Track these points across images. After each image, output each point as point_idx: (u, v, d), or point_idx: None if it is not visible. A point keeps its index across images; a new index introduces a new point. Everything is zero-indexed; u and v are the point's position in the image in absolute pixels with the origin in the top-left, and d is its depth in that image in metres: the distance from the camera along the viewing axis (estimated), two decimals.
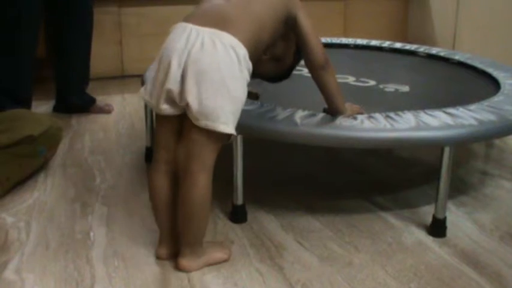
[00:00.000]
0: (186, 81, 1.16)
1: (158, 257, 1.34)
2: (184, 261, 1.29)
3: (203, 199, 1.24)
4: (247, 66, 1.22)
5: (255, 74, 1.48)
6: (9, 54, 2.14)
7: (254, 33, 1.24)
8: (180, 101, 1.19)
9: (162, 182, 1.29)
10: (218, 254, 1.33)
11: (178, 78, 1.18)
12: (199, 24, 1.20)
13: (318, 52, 1.37)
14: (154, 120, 1.32)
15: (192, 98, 1.16)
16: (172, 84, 1.18)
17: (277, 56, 1.44)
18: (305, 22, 1.35)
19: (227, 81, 1.17)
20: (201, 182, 1.22)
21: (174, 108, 1.21)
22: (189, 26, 1.20)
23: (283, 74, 1.51)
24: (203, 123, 1.18)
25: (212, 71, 1.16)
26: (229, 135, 1.22)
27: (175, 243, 1.32)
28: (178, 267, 1.29)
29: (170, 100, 1.20)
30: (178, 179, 1.26)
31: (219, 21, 1.20)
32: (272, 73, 1.49)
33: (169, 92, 1.19)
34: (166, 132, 1.27)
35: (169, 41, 1.22)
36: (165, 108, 1.22)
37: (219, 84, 1.17)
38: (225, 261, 1.33)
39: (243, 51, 1.20)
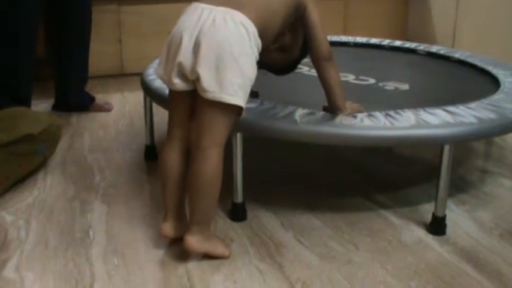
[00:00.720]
0: (198, 54, 1.19)
1: (163, 234, 1.33)
2: (190, 238, 1.28)
3: (213, 174, 1.25)
4: (256, 43, 1.25)
5: (260, 64, 1.49)
6: (8, 53, 2.13)
7: (264, 17, 1.27)
8: (191, 75, 1.22)
9: (174, 158, 1.31)
10: (221, 248, 1.33)
11: (190, 52, 1.21)
12: (212, 4, 1.24)
13: (324, 44, 1.41)
14: (169, 101, 1.34)
15: (202, 70, 1.19)
16: (184, 57, 1.21)
17: (284, 47, 1.46)
18: (314, 13, 1.40)
19: (236, 56, 1.20)
20: (211, 158, 1.24)
21: (185, 83, 1.24)
22: (201, 6, 1.25)
23: (288, 66, 1.53)
24: (211, 95, 1.20)
25: (222, 45, 1.19)
26: (239, 111, 1.25)
27: (180, 224, 1.33)
28: (184, 243, 1.28)
29: (182, 75, 1.23)
30: (190, 156, 1.28)
31: (231, 2, 1.24)
32: (278, 64, 1.51)
33: (180, 66, 1.22)
34: (180, 109, 1.30)
35: (182, 19, 1.26)
36: (177, 82, 1.24)
37: (228, 58, 1.19)
38: (225, 257, 1.33)
39: (252, 29, 1.23)
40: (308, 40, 1.42)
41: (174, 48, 1.24)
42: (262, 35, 1.27)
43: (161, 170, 1.34)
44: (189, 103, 1.28)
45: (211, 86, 1.20)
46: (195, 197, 1.27)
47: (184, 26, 1.23)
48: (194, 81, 1.23)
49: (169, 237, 1.34)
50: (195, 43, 1.21)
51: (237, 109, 1.24)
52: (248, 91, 1.25)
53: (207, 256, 1.32)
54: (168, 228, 1.34)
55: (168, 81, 1.27)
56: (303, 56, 1.52)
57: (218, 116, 1.24)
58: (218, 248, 1.33)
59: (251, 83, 1.26)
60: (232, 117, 1.26)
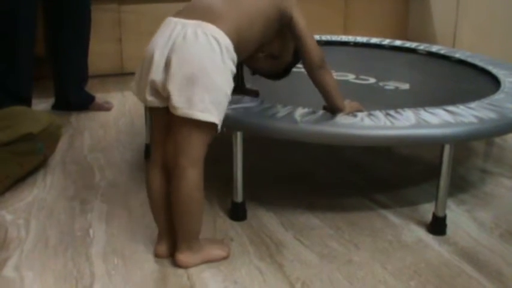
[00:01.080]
0: (168, 71, 1.18)
1: (157, 255, 1.33)
2: (181, 257, 1.29)
3: (193, 194, 1.24)
4: (231, 56, 1.22)
5: (255, 71, 1.48)
6: (7, 52, 2.13)
7: (241, 27, 1.24)
8: (163, 91, 1.20)
9: (157, 178, 1.29)
10: (217, 251, 1.33)
11: (161, 68, 1.19)
12: (186, 18, 1.22)
13: (314, 52, 1.38)
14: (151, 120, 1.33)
15: (172, 87, 1.17)
16: (156, 75, 1.20)
17: (274, 54, 1.44)
18: (300, 22, 1.36)
19: (208, 71, 1.18)
20: (190, 177, 1.23)
21: (159, 99, 1.22)
22: (175, 20, 1.23)
23: (281, 72, 1.51)
24: (180, 111, 1.18)
25: (193, 60, 1.17)
26: (215, 128, 1.22)
27: (174, 241, 1.32)
28: (175, 263, 1.29)
29: (155, 91, 1.22)
30: (170, 174, 1.27)
31: (205, 14, 1.22)
32: (270, 71, 1.49)
33: (153, 83, 1.20)
34: (157, 127, 1.28)
35: (156, 35, 1.24)
36: (151, 100, 1.23)
37: (199, 74, 1.17)
38: (224, 258, 1.33)
39: (225, 42, 1.20)
40: (298, 49, 1.39)
41: (146, 65, 1.22)
42: (240, 45, 1.24)
43: (147, 193, 1.32)
44: (166, 120, 1.25)
45: (181, 103, 1.17)
46: (178, 216, 1.26)
47: (157, 42, 1.21)
48: (167, 98, 1.20)
49: (164, 257, 1.33)
50: (166, 60, 1.19)
51: (211, 125, 1.20)
52: (224, 106, 1.22)
53: (205, 260, 1.32)
54: (161, 251, 1.33)
55: (142, 98, 1.25)
56: (296, 61, 1.49)
57: (192, 133, 1.21)
58: (214, 254, 1.32)
59: (227, 98, 1.22)
60: (207, 134, 1.23)
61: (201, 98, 1.17)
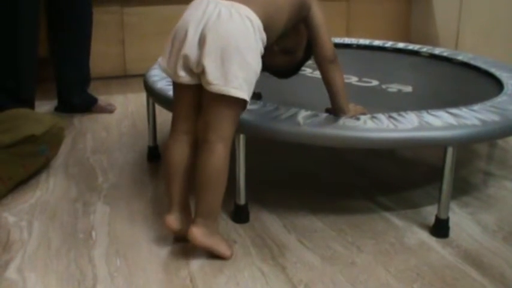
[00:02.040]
0: (203, 47, 1.20)
1: (168, 226, 1.33)
2: (195, 230, 1.28)
3: (220, 169, 1.26)
4: (261, 37, 1.25)
5: (264, 67, 1.49)
6: (9, 53, 2.14)
7: (269, 12, 1.28)
8: (197, 67, 1.22)
9: (180, 151, 1.32)
10: (223, 247, 1.33)
11: (195, 45, 1.21)
12: None
13: (329, 45, 1.41)
14: (174, 95, 1.34)
15: (207, 62, 1.19)
16: (189, 50, 1.22)
17: (288, 49, 1.47)
18: (318, 14, 1.40)
19: (242, 49, 1.21)
20: (218, 152, 1.25)
21: (190, 76, 1.25)
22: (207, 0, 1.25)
23: (292, 68, 1.53)
24: (215, 87, 1.20)
25: (228, 38, 1.20)
26: (244, 105, 1.25)
27: (185, 217, 1.33)
28: (189, 235, 1.28)
29: (187, 67, 1.24)
30: (196, 150, 1.29)
31: None
32: (282, 66, 1.51)
33: (185, 58, 1.22)
34: (184, 102, 1.31)
35: (187, 12, 1.26)
36: (182, 75, 1.25)
37: (233, 51, 1.20)
38: (227, 258, 1.33)
39: (257, 22, 1.23)
40: (312, 41, 1.42)
41: (179, 41, 1.24)
42: (266, 30, 1.27)
43: (166, 163, 1.34)
44: (194, 97, 1.28)
45: (216, 79, 1.20)
46: (201, 189, 1.28)
47: (190, 19, 1.23)
48: (199, 74, 1.23)
49: (174, 229, 1.34)
50: (200, 36, 1.21)
51: (242, 102, 1.25)
52: (253, 84, 1.25)
53: (210, 257, 1.32)
54: (173, 220, 1.33)
55: (172, 74, 1.27)
56: (306, 58, 1.52)
57: (223, 109, 1.24)
58: (221, 246, 1.32)
59: (256, 77, 1.26)
60: (237, 111, 1.27)
61: (235, 75, 1.20)
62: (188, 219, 1.35)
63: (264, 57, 1.33)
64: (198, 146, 1.29)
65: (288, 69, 1.53)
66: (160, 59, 1.31)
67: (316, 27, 1.40)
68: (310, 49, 1.46)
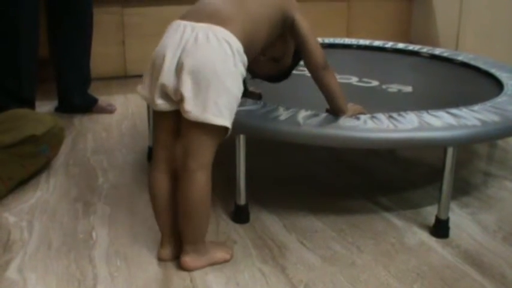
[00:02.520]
0: (180, 74, 1.17)
1: (161, 259, 1.33)
2: (186, 259, 1.28)
3: (202, 197, 1.24)
4: (241, 59, 1.21)
5: (254, 74, 1.49)
6: (10, 54, 2.14)
7: (249, 30, 1.24)
8: (175, 95, 1.19)
9: (161, 181, 1.28)
10: (220, 254, 1.33)
11: (173, 72, 1.18)
12: (194, 20, 1.21)
13: (318, 52, 1.38)
14: (154, 122, 1.32)
15: (185, 91, 1.16)
16: (166, 78, 1.18)
17: (276, 57, 1.45)
18: (303, 24, 1.37)
19: (221, 75, 1.17)
20: (199, 180, 1.22)
21: (169, 103, 1.21)
22: (184, 23, 1.22)
23: (282, 74, 1.52)
24: (194, 115, 1.17)
25: (206, 64, 1.16)
26: (225, 131, 1.21)
27: (177, 244, 1.32)
28: (181, 266, 1.29)
29: (165, 95, 1.21)
30: (177, 177, 1.26)
31: (213, 18, 1.21)
32: (272, 73, 1.50)
33: (163, 86, 1.19)
34: (164, 130, 1.27)
35: (164, 38, 1.23)
36: (160, 103, 1.22)
37: (211, 77, 1.16)
38: (227, 261, 1.33)
39: (237, 45, 1.20)
40: (301, 50, 1.40)
41: (157, 68, 1.21)
42: (248, 49, 1.23)
43: (151, 194, 1.31)
44: (173, 123, 1.24)
45: (195, 106, 1.16)
46: (185, 219, 1.26)
47: (167, 45, 1.20)
48: (178, 101, 1.20)
49: (168, 260, 1.33)
50: (177, 63, 1.18)
51: (223, 129, 1.21)
52: (234, 109, 1.22)
53: (210, 263, 1.32)
54: (165, 255, 1.33)
55: (151, 102, 1.24)
56: (295, 64, 1.51)
57: (203, 137, 1.20)
58: (218, 256, 1.32)
59: (237, 101, 1.22)
60: (217, 138, 1.22)
61: (214, 102, 1.16)
62: (180, 244, 1.33)
63: (252, 66, 1.32)
64: (178, 174, 1.25)
65: (278, 75, 1.51)
66: (139, 87, 1.27)
67: (303, 37, 1.37)
68: (299, 54, 1.44)
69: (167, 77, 1.18)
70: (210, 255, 1.31)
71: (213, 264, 1.31)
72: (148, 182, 1.32)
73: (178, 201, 1.25)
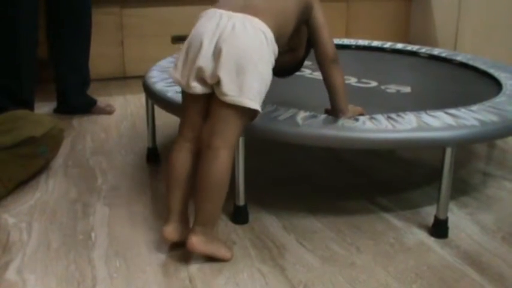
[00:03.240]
0: (218, 59, 1.21)
1: (165, 237, 1.32)
2: (194, 238, 1.27)
3: (222, 175, 1.26)
4: (273, 49, 1.27)
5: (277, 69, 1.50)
6: (9, 55, 2.14)
7: (280, 22, 1.30)
8: (211, 79, 1.23)
9: (183, 159, 1.32)
10: (223, 250, 1.33)
11: (210, 56, 1.23)
12: (229, 10, 1.26)
13: (330, 45, 1.42)
14: (183, 103, 1.34)
15: (223, 74, 1.21)
16: (204, 61, 1.23)
17: (292, 48, 1.48)
18: (320, 14, 1.42)
19: (256, 61, 1.23)
20: (222, 158, 1.26)
21: (203, 86, 1.26)
22: (219, 11, 1.27)
23: (294, 66, 1.56)
24: (231, 98, 1.22)
25: (243, 51, 1.22)
26: (253, 115, 1.28)
27: (183, 226, 1.33)
28: (187, 244, 1.28)
29: (200, 78, 1.25)
30: (199, 158, 1.29)
31: (248, 8, 1.27)
32: (285, 65, 1.52)
33: (200, 70, 1.24)
34: (193, 111, 1.31)
35: (200, 23, 1.28)
36: (195, 86, 1.26)
37: (248, 63, 1.21)
38: (227, 260, 1.33)
39: (270, 35, 1.26)
40: (314, 41, 1.43)
41: (193, 52, 1.25)
42: (277, 39, 1.29)
43: (169, 170, 1.33)
44: (203, 106, 1.30)
45: (232, 90, 1.22)
46: (202, 197, 1.27)
47: (204, 30, 1.25)
48: (213, 85, 1.24)
49: (172, 240, 1.34)
50: (215, 48, 1.22)
51: (252, 113, 1.27)
52: (263, 96, 1.27)
53: (209, 258, 1.32)
54: (171, 231, 1.33)
55: (185, 85, 1.28)
56: (306, 55, 1.55)
57: (234, 118, 1.25)
58: (220, 251, 1.32)
59: (267, 88, 1.28)
60: (246, 121, 1.29)
61: (250, 87, 1.22)
62: (186, 228, 1.34)
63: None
64: (201, 153, 1.29)
65: (291, 67, 1.55)
66: (172, 70, 1.32)
67: (318, 27, 1.41)
68: (309, 46, 1.48)
69: (205, 61, 1.23)
70: (215, 245, 1.31)
71: (214, 256, 1.31)
72: (169, 157, 1.34)
73: (198, 179, 1.27)
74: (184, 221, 1.35)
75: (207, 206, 1.28)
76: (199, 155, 1.30)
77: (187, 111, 1.33)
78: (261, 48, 1.24)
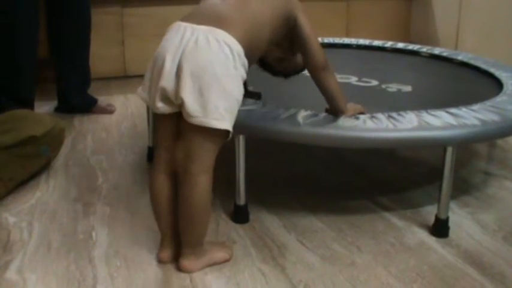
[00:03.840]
0: (180, 78, 1.16)
1: (160, 261, 1.33)
2: (185, 262, 1.29)
3: (203, 201, 1.24)
4: (242, 62, 1.21)
5: (275, 73, 1.50)
6: (9, 54, 2.14)
7: (251, 31, 1.23)
8: (175, 99, 1.18)
9: (162, 182, 1.28)
10: (220, 254, 1.33)
11: (173, 76, 1.17)
12: (195, 23, 1.20)
13: (319, 53, 1.38)
14: (155, 125, 1.32)
15: (185, 95, 1.16)
16: (167, 82, 1.18)
17: (282, 58, 1.46)
18: (305, 24, 1.36)
19: (221, 78, 1.17)
20: (201, 184, 1.22)
21: (169, 106, 1.21)
22: (184, 25, 1.21)
23: (294, 71, 1.53)
24: (196, 120, 1.17)
25: (206, 67, 1.16)
26: (227, 134, 1.21)
27: (177, 245, 1.32)
28: (179, 269, 1.29)
29: (165, 98, 1.20)
30: (178, 180, 1.26)
31: (214, 20, 1.20)
32: (284, 71, 1.51)
33: (163, 90, 1.18)
34: (165, 131, 1.26)
35: (165, 40, 1.22)
36: (161, 106, 1.21)
37: (212, 80, 1.16)
38: (227, 261, 1.33)
39: (237, 48, 1.19)
40: (301, 51, 1.39)
41: (157, 71, 1.20)
42: (250, 51, 1.23)
43: (151, 196, 1.31)
44: (174, 125, 1.24)
45: (196, 111, 1.16)
46: (185, 222, 1.26)
47: (167, 48, 1.19)
48: (179, 105, 1.19)
49: (168, 262, 1.33)
50: (178, 66, 1.17)
51: (224, 133, 1.20)
52: (235, 113, 1.21)
53: (209, 264, 1.32)
54: (165, 257, 1.33)
55: (152, 105, 1.23)
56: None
57: (205, 141, 1.20)
58: (217, 257, 1.32)
59: (238, 104, 1.22)
60: (219, 141, 1.22)
61: (215, 106, 1.16)
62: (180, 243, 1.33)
63: (262, 65, 1.32)
64: (179, 177, 1.25)
65: (290, 72, 1.52)
66: (140, 89, 1.27)
67: (305, 38, 1.36)
68: None
69: (167, 80, 1.18)
70: (209, 256, 1.31)
71: (212, 264, 1.31)
72: (149, 184, 1.32)
73: (179, 204, 1.25)
74: (177, 239, 1.32)
75: (192, 230, 1.26)
76: (176, 176, 1.26)
77: (159, 132, 1.28)
78: (226, 63, 1.17)
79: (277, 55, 1.44)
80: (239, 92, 1.21)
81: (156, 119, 1.29)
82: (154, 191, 1.30)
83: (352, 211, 1.59)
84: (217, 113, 1.16)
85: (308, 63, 1.39)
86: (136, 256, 1.35)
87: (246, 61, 1.22)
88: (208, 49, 1.16)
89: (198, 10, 1.27)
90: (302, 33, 1.35)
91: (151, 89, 1.22)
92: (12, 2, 2.07)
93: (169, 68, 1.17)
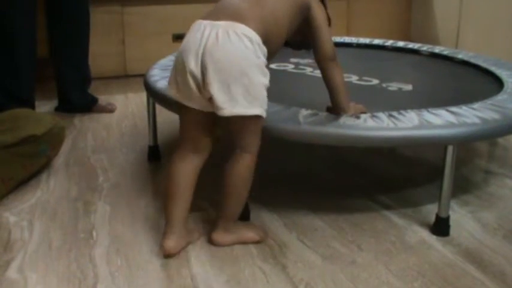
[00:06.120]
0: (206, 75, 1.22)
1: (165, 251, 1.32)
2: (215, 236, 1.36)
3: (244, 175, 1.31)
4: (262, 51, 1.26)
5: (298, 47, 1.54)
6: (8, 53, 2.14)
7: (268, 25, 1.29)
8: (205, 94, 1.24)
9: (185, 170, 1.34)
10: (250, 234, 1.39)
11: (198, 73, 1.23)
12: (214, 19, 1.26)
13: (329, 44, 1.42)
14: (181, 116, 1.36)
15: (213, 90, 1.22)
16: (192, 80, 1.24)
17: (298, 42, 1.50)
18: (318, 14, 1.41)
19: (244, 68, 1.22)
20: (244, 161, 1.30)
21: (198, 102, 1.27)
22: (204, 23, 1.26)
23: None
24: (226, 111, 1.23)
25: (229, 60, 1.22)
26: (262, 116, 1.28)
27: (182, 236, 1.34)
28: (211, 241, 1.37)
29: (195, 95, 1.26)
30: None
31: (232, 15, 1.26)
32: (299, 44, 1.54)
33: (192, 89, 1.24)
34: (193, 124, 1.33)
35: (186, 39, 1.28)
36: (190, 102, 1.28)
37: (237, 73, 1.22)
38: (258, 242, 1.38)
39: (256, 38, 1.25)
40: (312, 40, 1.43)
41: (181, 70, 1.26)
42: (269, 41, 1.28)
43: (169, 182, 1.34)
44: (201, 118, 1.31)
45: (225, 103, 1.22)
46: (229, 196, 1.33)
47: (189, 47, 1.25)
48: (208, 99, 1.25)
49: (172, 254, 1.33)
50: (201, 63, 1.22)
51: (258, 116, 1.27)
52: (265, 95, 1.28)
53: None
54: (172, 246, 1.33)
55: (181, 101, 1.30)
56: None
57: (243, 127, 1.28)
58: (247, 236, 1.39)
59: (265, 87, 1.28)
60: (256, 125, 1.29)
61: (243, 96, 1.23)
62: (186, 237, 1.36)
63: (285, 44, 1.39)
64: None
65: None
66: (168, 88, 1.33)
67: (317, 27, 1.41)
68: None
69: (193, 78, 1.24)
70: (240, 233, 1.38)
71: (242, 242, 1.37)
72: (168, 169, 1.36)
73: (225, 176, 1.31)
74: (183, 230, 1.35)
75: (230, 205, 1.34)
76: (200, 166, 1.35)
77: (187, 124, 1.34)
78: (248, 54, 1.23)
79: (295, 39, 1.47)
80: (264, 77, 1.27)
81: (183, 112, 1.34)
82: (175, 177, 1.34)
83: (353, 210, 1.59)
84: (246, 101, 1.23)
85: (317, 53, 1.43)
86: (137, 255, 1.35)
87: (265, 49, 1.27)
88: (229, 42, 1.22)
89: (216, 8, 1.32)
90: (315, 22, 1.41)
91: (178, 86, 1.28)
92: (10, 1, 2.07)
93: (193, 65, 1.23)
